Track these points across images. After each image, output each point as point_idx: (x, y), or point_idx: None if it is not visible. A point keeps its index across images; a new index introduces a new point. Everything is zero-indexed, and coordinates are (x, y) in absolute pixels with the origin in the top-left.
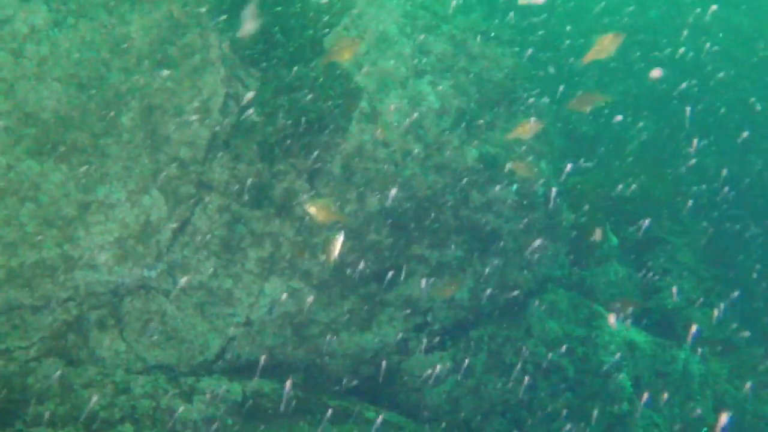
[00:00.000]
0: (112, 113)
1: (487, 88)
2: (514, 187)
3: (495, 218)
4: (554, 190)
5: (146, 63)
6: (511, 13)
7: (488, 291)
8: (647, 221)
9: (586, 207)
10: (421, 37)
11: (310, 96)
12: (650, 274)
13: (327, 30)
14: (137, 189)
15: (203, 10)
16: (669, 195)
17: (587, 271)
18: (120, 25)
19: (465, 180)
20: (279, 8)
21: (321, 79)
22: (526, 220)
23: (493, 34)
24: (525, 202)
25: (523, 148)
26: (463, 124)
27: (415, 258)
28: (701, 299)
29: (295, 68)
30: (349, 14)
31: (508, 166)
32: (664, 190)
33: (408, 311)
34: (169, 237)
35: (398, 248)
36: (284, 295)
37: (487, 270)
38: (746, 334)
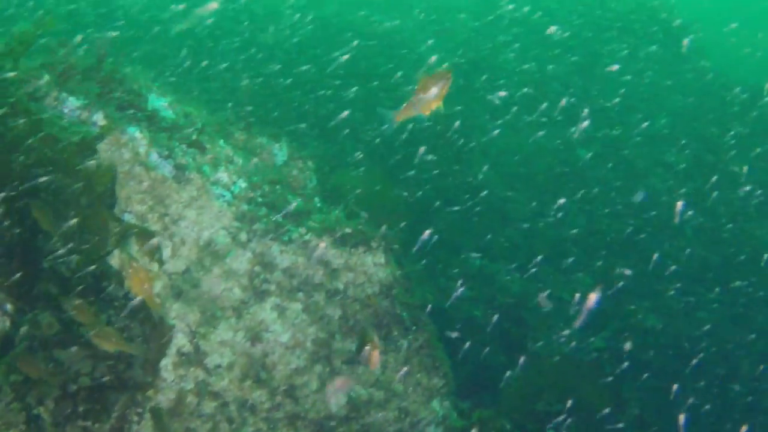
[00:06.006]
0: None
1: (354, 310)
2: None
3: None
4: None
5: None
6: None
7: None
8: None
9: None
10: (263, 245)
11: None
12: None
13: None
14: None
15: None
16: None
17: None
18: None
19: None
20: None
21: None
22: None
23: (361, 237)
24: None
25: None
26: (324, 360)
27: None
28: None
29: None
30: (161, 221)
31: None
32: None
33: None
34: None
35: None
36: None
37: None
38: None
